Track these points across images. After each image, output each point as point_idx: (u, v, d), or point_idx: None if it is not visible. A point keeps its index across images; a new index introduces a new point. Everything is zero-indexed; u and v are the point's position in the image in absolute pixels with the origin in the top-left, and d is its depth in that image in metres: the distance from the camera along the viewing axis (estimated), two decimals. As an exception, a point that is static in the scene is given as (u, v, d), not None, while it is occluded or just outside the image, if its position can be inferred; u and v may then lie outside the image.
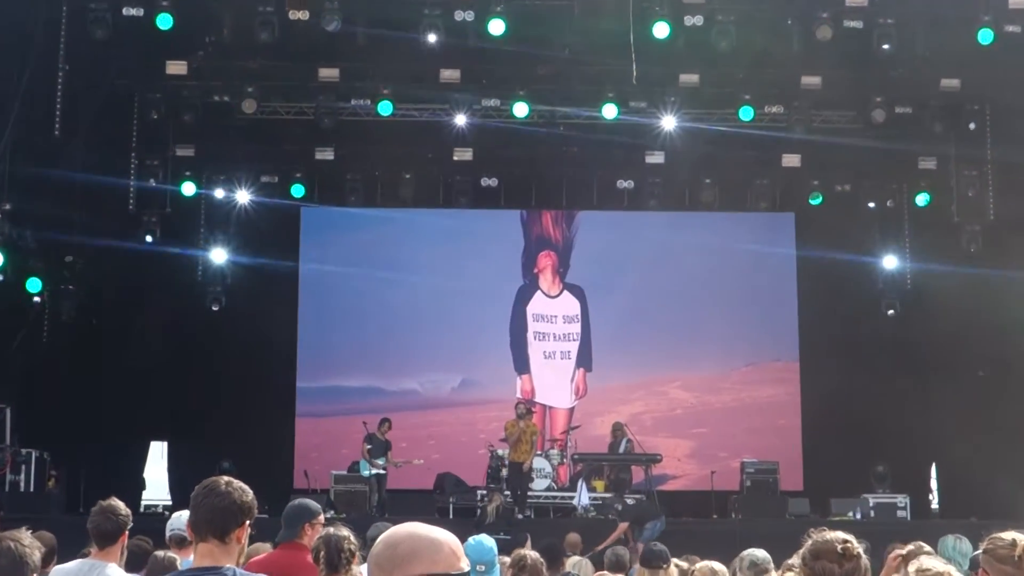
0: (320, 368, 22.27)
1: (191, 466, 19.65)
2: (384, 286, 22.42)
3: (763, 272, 22.55)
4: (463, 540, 2.73)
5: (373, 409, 19.94)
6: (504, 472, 18.69)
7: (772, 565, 6.43)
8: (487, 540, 4.45)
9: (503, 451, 18.90)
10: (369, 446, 18.85)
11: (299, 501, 6.34)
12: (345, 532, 5.52)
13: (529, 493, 18.89)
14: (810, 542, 3.52)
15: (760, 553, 6.50)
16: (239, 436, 20.13)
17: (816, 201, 21.32)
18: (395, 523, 2.60)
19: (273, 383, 21.61)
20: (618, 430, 20.11)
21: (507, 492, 18.12)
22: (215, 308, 21.55)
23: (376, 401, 21.28)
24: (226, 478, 3.81)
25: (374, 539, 2.98)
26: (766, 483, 19.32)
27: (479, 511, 17.35)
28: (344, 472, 19.42)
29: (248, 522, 3.77)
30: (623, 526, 15.90)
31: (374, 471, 18.68)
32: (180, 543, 7.03)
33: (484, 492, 18.39)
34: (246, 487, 3.80)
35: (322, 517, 6.20)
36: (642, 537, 15.03)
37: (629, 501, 17.12)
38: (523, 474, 18.54)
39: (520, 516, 17.86)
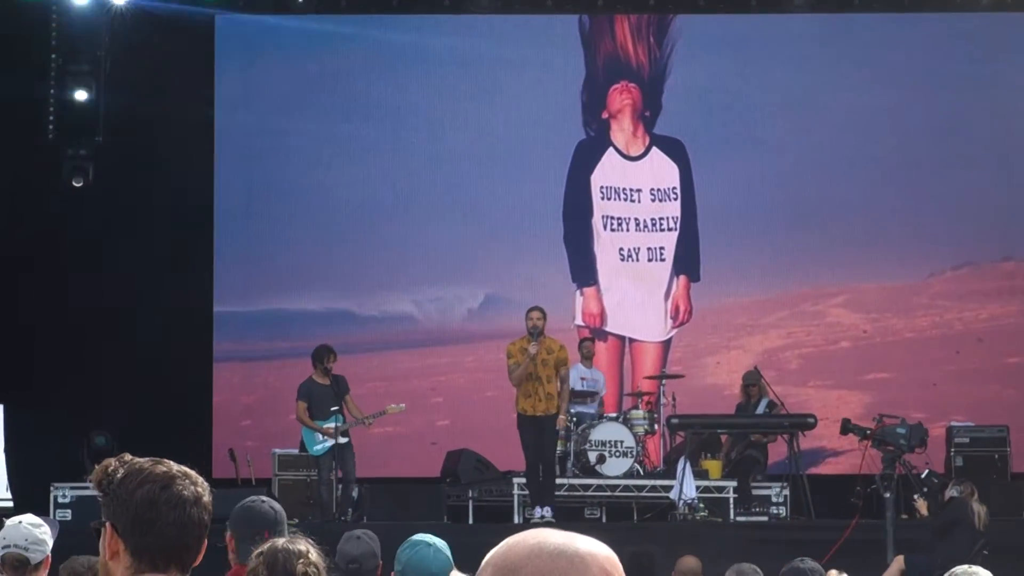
0: (252, 282, 22.71)
1: (44, 443, 19.98)
2: (353, 146, 22.77)
3: (983, 113, 22.78)
4: None
5: (341, 347, 19.70)
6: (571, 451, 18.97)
7: None
8: None
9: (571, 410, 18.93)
10: (307, 403, 18.72)
11: (249, 502, 6.73)
12: (302, 546, 5.85)
13: (596, 483, 19.13)
14: None
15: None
16: (118, 394, 20.60)
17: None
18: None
19: (174, 306, 21.78)
20: (752, 384, 20.32)
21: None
22: (77, 184, 21.62)
23: (345, 333, 21.59)
24: (179, 468, 3.97)
25: (351, 558, 3.09)
26: (989, 461, 19.86)
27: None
28: (295, 451, 19.82)
29: None
30: None
31: (323, 442, 18.64)
32: (18, 568, 7.30)
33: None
34: (204, 481, 4.02)
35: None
36: None
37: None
38: (548, 437, 18.29)
39: (542, 515, 17.89)
